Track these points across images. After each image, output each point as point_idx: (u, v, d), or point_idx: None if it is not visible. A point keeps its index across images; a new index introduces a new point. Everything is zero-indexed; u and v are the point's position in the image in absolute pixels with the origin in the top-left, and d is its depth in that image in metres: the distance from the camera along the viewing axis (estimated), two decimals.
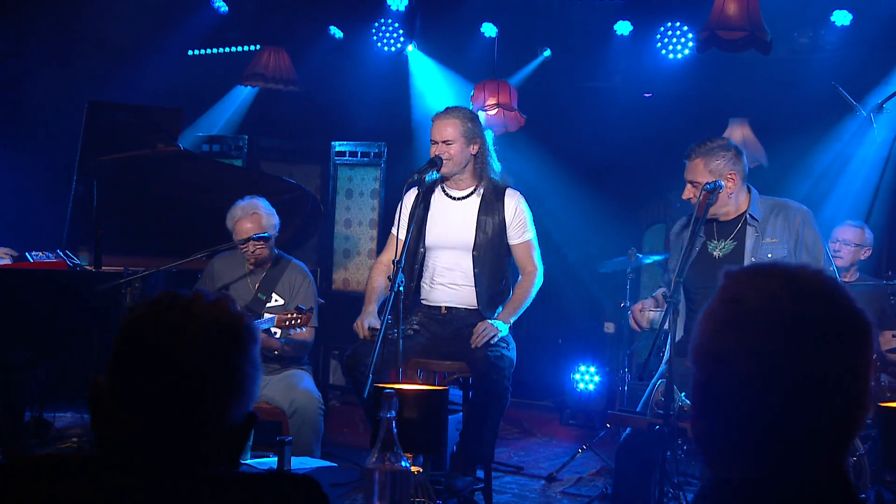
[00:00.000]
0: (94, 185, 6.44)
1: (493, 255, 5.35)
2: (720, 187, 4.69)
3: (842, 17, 7.83)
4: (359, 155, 9.00)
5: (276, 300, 6.10)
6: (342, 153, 9.01)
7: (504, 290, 5.45)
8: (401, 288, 4.87)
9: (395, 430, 2.93)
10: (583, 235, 9.23)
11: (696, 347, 1.70)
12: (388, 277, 5.02)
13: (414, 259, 5.41)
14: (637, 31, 8.43)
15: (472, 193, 5.43)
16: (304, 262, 6.31)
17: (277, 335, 5.88)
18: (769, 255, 4.78)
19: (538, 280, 5.41)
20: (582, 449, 6.97)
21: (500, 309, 5.35)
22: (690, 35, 8.09)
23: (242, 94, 9.71)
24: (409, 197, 5.51)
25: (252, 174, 7.51)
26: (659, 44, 8.23)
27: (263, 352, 5.91)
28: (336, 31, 9.15)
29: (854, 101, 6.47)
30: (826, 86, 7.96)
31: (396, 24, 8.85)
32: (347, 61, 9.16)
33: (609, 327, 9.17)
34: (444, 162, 5.26)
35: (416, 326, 5.23)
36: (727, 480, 1.66)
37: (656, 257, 7.48)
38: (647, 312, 4.88)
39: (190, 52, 9.81)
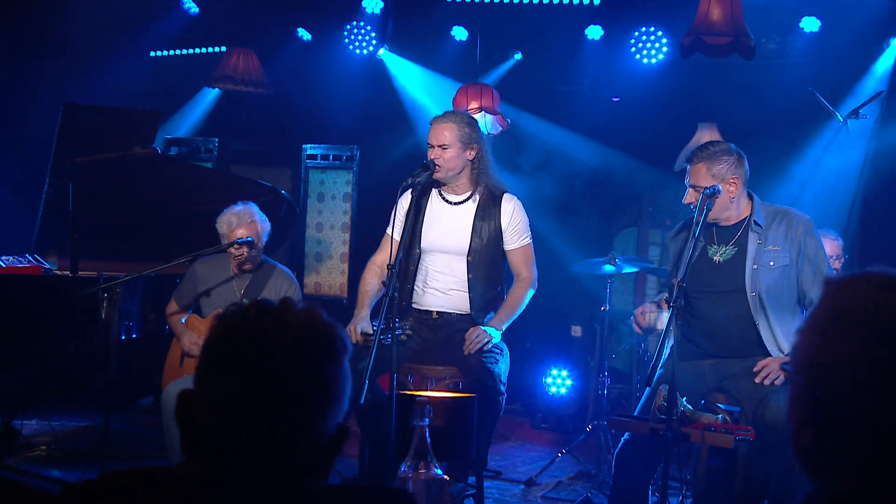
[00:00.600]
0: (70, 187, 6.35)
1: (487, 261, 5.30)
2: (719, 192, 4.69)
3: (811, 24, 7.92)
4: (331, 158, 8.96)
5: None
6: (314, 156, 8.96)
7: (498, 296, 5.39)
8: (395, 293, 4.81)
9: (428, 439, 2.90)
10: (552, 238, 9.23)
11: (801, 358, 1.68)
12: (383, 282, 4.94)
13: (408, 262, 5.35)
14: (610, 36, 8.46)
15: (468, 199, 5.36)
16: None
17: None
18: (771, 263, 4.79)
19: (533, 286, 5.37)
20: (561, 453, 6.97)
21: (492, 314, 5.30)
22: (665, 40, 8.15)
23: (209, 97, 9.62)
24: (406, 199, 5.42)
25: (227, 177, 7.45)
26: (633, 48, 8.26)
27: None
28: (304, 34, 9.07)
29: (831, 107, 6.53)
30: (795, 91, 8.07)
31: (369, 27, 8.78)
32: (318, 64, 9.07)
33: (576, 331, 9.19)
34: (438, 166, 5.20)
35: (408, 331, 5.16)
36: (837, 494, 1.64)
37: (632, 268, 7.51)
38: (649, 315, 4.86)
39: (152, 54, 9.70)
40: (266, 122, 9.45)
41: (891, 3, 7.58)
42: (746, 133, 8.47)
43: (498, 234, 5.31)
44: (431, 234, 5.35)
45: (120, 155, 6.63)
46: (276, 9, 8.82)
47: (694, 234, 4.62)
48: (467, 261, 5.28)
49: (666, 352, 5.08)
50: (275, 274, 6.11)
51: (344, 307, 8.71)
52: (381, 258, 5.47)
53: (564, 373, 8.34)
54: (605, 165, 8.86)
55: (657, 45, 8.20)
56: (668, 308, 4.86)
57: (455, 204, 5.38)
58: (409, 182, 5.14)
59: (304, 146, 8.99)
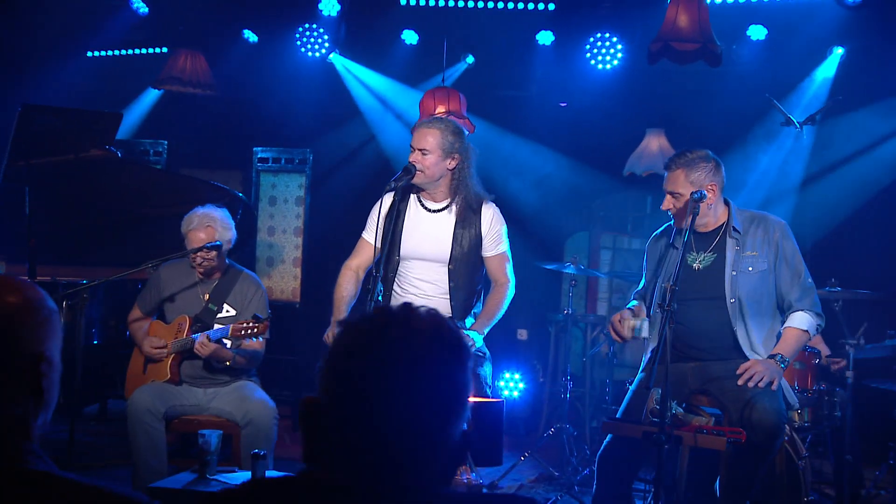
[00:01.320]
0: (27, 191, 6.21)
1: (468, 269, 5.26)
2: (704, 196, 4.74)
3: (757, 32, 8.08)
4: (283, 161, 8.88)
5: (227, 311, 5.92)
6: (265, 159, 8.88)
7: (477, 303, 5.39)
8: (380, 297, 4.78)
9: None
10: None
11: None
12: (367, 287, 4.89)
13: (388, 268, 5.29)
14: (563, 42, 8.51)
15: (445, 207, 5.31)
16: None
17: (228, 346, 5.72)
18: (750, 269, 4.86)
19: (510, 292, 5.35)
20: (524, 456, 7.01)
21: (472, 319, 5.29)
22: (620, 46, 8.22)
23: (150, 98, 9.48)
24: (385, 203, 5.37)
25: (184, 180, 7.32)
26: (588, 54, 8.32)
27: (213, 363, 5.81)
28: (251, 35, 8.97)
29: (788, 114, 6.66)
30: (742, 98, 8.25)
31: (322, 30, 8.71)
32: (269, 66, 8.99)
33: (522, 334, 9.24)
34: (418, 171, 5.16)
35: None
36: None
37: (599, 273, 7.60)
38: (629, 321, 4.87)
39: (91, 54, 9.53)
40: (215, 125, 9.32)
41: (834, 12, 7.76)
42: (694, 139, 8.62)
43: (478, 242, 5.28)
44: (411, 241, 5.28)
45: (78, 157, 6.49)
46: (226, 10, 8.71)
47: (683, 238, 4.67)
48: (449, 269, 5.23)
49: (646, 356, 5.15)
50: (241, 279, 6.02)
51: (297, 312, 8.64)
52: (357, 262, 5.44)
53: (517, 376, 8.38)
54: (554, 170, 8.92)
55: (612, 50, 8.28)
56: (646, 315, 4.93)
57: (434, 211, 5.33)
58: (392, 185, 5.07)
59: (254, 149, 8.90)
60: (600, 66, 8.36)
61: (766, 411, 4.51)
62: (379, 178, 9.13)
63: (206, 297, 5.97)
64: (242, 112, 9.28)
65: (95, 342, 6.74)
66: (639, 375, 5.05)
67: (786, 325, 4.86)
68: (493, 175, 9.13)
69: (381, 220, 5.33)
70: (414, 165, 5.14)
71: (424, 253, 5.29)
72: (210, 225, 5.83)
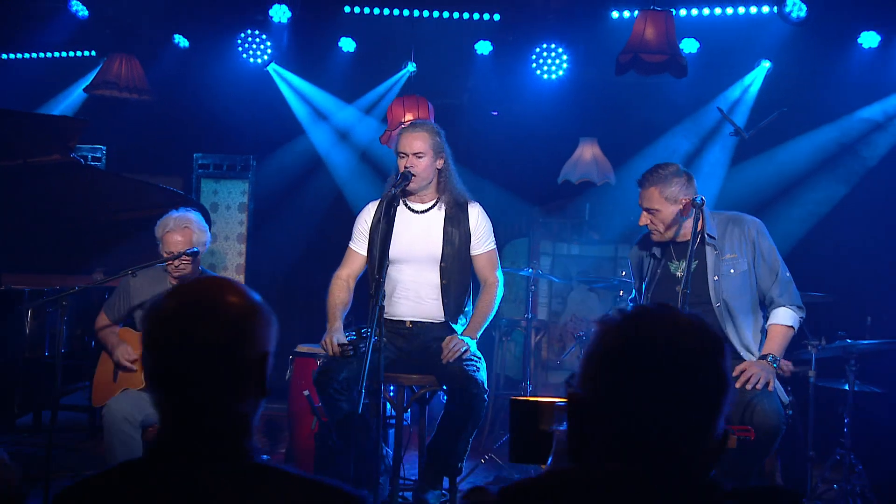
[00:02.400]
0: None
1: (459, 266, 5.35)
2: (704, 202, 4.90)
3: (689, 45, 8.34)
4: (224, 168, 8.80)
5: None
6: (206, 165, 8.78)
7: (469, 300, 5.47)
8: (382, 302, 4.80)
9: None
10: None
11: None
12: (370, 293, 4.89)
13: (382, 272, 5.32)
14: (505, 52, 8.66)
15: (433, 207, 5.41)
16: None
17: None
18: (731, 271, 5.06)
19: (500, 291, 5.45)
20: (484, 459, 7.09)
21: (464, 320, 5.36)
22: (565, 56, 8.39)
23: (74, 102, 9.28)
24: (368, 211, 5.45)
25: (140, 185, 7.19)
26: (534, 64, 8.46)
27: None
28: (181, 40, 8.85)
29: (736, 125, 6.90)
30: (672, 108, 8.54)
31: (265, 36, 8.66)
32: (208, 73, 8.89)
33: None
34: (414, 175, 5.22)
35: (384, 340, 5.13)
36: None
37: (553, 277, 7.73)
38: None
39: (4, 56, 9.30)
40: (154, 130, 9.16)
41: (762, 26, 8.09)
42: (625, 147, 8.88)
43: (467, 239, 5.39)
44: (401, 243, 5.30)
45: (38, 162, 6.36)
46: (164, 15, 8.61)
47: (692, 248, 4.80)
48: (441, 267, 5.32)
49: None
50: None
51: None
52: (347, 272, 5.53)
53: None
54: (491, 177, 9.04)
55: (557, 61, 8.44)
56: None
57: (421, 212, 5.43)
58: (393, 192, 5.09)
59: (195, 155, 8.79)
60: (545, 76, 8.53)
61: (766, 413, 4.68)
62: (323, 184, 9.16)
63: None
64: (182, 118, 9.15)
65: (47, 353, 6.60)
66: None
67: (770, 322, 5.08)
68: None
69: (369, 228, 5.40)
70: (409, 171, 5.21)
71: (415, 254, 5.37)
72: (187, 226, 5.81)
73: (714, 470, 1.87)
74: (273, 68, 8.98)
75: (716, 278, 5.04)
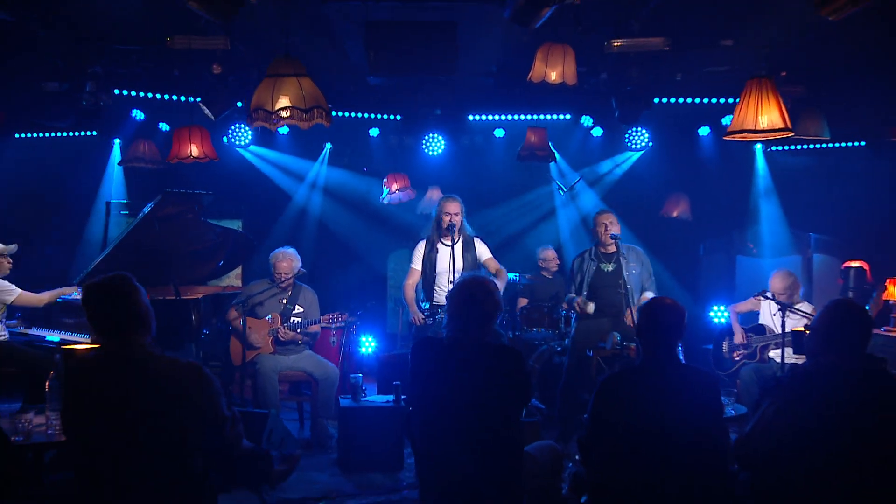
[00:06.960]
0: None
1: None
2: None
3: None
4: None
5: (298, 309, 9.23)
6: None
7: None
8: (434, 296, 8.74)
9: None
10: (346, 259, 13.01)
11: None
12: (427, 293, 8.78)
13: (432, 280, 8.88)
14: (401, 137, 12.32)
15: (455, 244, 8.66)
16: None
17: (298, 331, 9.08)
18: (633, 271, 8.69)
19: (506, 274, 8.82)
20: None
21: None
22: (443, 140, 12.14)
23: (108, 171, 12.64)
24: (421, 244, 9.01)
25: (209, 226, 10.00)
26: (425, 146, 12.34)
27: (288, 342, 9.07)
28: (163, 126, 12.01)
29: (564, 187, 11.24)
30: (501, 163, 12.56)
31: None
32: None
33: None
34: (455, 226, 8.59)
35: (439, 313, 8.58)
36: None
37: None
38: (589, 304, 8.73)
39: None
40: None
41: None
42: (460, 189, 11.80)
43: (475, 258, 8.82)
44: (441, 264, 8.80)
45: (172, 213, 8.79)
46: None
47: (617, 256, 8.90)
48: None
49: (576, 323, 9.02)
50: (303, 289, 9.31)
51: None
52: (411, 282, 9.01)
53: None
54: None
55: (439, 144, 12.30)
56: (584, 301, 8.75)
57: (450, 246, 8.72)
58: (436, 235, 8.95)
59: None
60: (430, 153, 12.32)
61: None
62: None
63: (284, 301, 9.17)
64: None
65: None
66: (572, 335, 8.93)
67: (643, 294, 8.80)
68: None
69: (422, 255, 8.95)
70: (453, 225, 8.74)
71: (448, 269, 8.65)
72: (291, 258, 9.16)
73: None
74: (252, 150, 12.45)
75: (626, 274, 8.52)
